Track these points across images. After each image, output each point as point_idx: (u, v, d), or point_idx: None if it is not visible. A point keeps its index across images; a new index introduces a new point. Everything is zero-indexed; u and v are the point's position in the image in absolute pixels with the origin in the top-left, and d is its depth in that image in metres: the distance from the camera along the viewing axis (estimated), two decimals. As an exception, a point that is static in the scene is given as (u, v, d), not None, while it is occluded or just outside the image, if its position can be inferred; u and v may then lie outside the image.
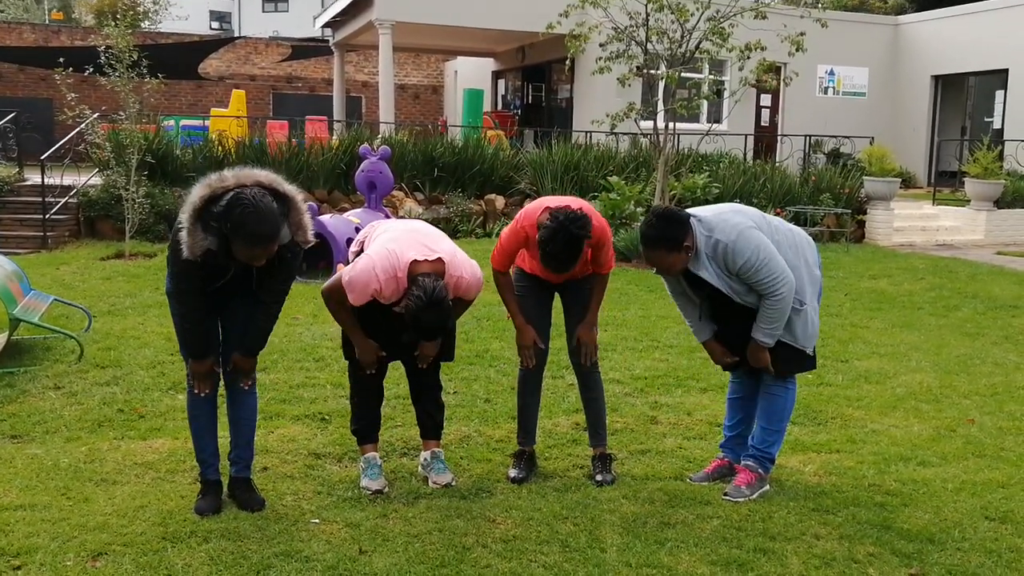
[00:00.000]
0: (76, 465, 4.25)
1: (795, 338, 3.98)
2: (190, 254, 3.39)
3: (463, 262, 3.91)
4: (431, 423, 4.26)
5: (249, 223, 3.31)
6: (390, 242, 3.87)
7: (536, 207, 4.03)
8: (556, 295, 4.33)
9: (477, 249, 11.74)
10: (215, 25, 46.97)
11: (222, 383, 3.89)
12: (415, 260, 3.76)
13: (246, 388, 3.88)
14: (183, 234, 3.38)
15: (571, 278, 4.17)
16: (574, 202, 4.02)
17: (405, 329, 3.92)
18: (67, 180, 12.07)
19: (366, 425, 4.18)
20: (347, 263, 4.37)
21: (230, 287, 3.65)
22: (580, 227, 3.76)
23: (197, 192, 3.39)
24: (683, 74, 12.20)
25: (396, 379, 4.83)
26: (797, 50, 11.54)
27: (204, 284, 3.58)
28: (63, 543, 3.45)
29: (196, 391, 3.78)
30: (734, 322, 4.00)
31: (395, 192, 12.65)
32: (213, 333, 3.77)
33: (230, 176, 3.42)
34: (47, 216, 11.50)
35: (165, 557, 3.36)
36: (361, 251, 4.19)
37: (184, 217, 3.39)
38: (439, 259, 3.81)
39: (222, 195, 3.36)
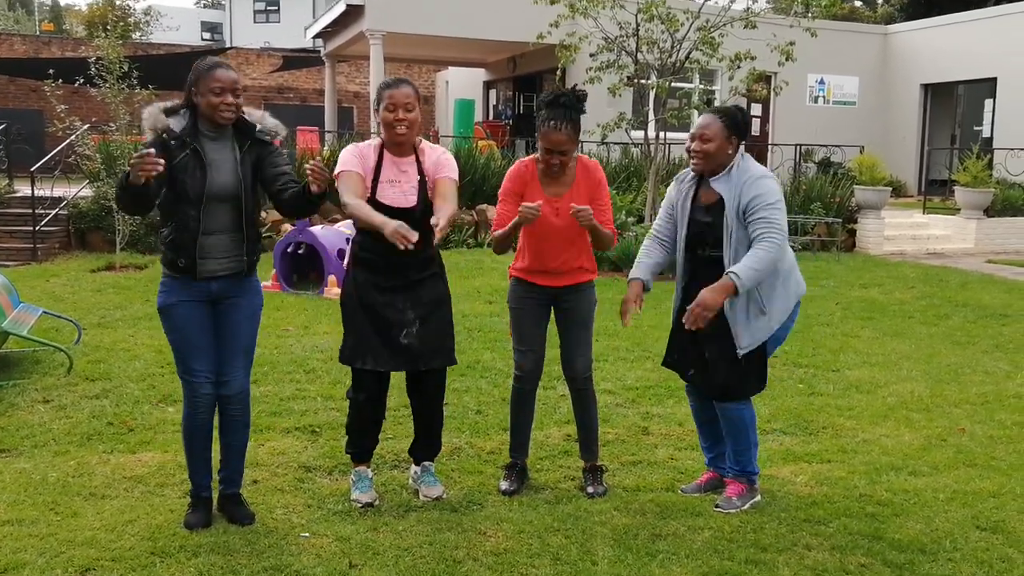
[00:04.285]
0: (64, 479, 4.23)
1: (752, 335, 3.90)
2: (151, 129, 3.55)
3: None
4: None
5: (211, 62, 3.56)
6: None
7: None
8: (551, 308, 4.29)
9: (469, 259, 11.84)
10: (206, 36, 47.04)
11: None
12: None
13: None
14: (144, 114, 3.54)
15: (567, 281, 4.15)
16: None
17: (406, 327, 3.87)
18: (57, 192, 12.05)
19: (361, 451, 4.14)
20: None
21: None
22: (577, 96, 4.12)
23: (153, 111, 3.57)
24: (673, 84, 12.26)
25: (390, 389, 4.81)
26: (787, 59, 11.62)
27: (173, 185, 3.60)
28: (51, 559, 3.42)
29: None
30: (701, 278, 3.92)
31: (387, 202, 12.61)
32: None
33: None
34: (37, 228, 11.47)
35: (154, 572, 3.34)
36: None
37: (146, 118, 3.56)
38: None
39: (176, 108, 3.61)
